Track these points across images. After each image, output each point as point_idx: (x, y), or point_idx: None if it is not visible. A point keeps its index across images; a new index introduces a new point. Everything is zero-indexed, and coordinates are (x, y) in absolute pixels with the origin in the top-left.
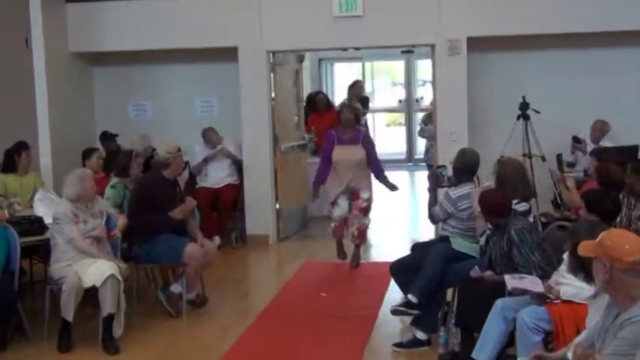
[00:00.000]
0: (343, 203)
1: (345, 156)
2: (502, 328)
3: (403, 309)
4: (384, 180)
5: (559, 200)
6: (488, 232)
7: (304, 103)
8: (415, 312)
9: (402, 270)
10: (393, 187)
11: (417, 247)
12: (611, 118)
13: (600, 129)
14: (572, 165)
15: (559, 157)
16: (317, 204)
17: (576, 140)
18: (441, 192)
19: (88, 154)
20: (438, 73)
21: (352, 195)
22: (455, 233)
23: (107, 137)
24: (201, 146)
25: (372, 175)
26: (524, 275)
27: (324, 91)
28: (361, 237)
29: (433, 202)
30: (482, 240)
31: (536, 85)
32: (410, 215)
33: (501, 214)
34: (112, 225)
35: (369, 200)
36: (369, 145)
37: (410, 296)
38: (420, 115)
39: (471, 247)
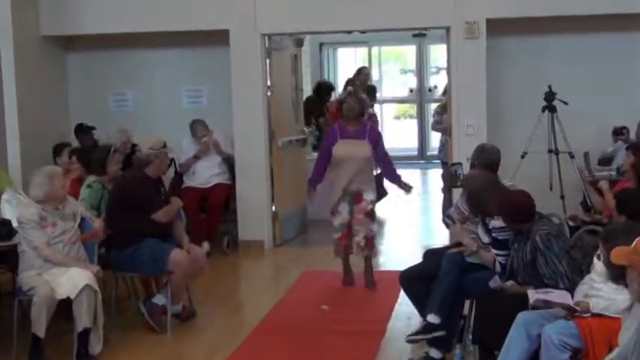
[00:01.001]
0: (344, 210)
1: (348, 152)
2: (525, 346)
3: (421, 337)
4: (397, 180)
5: (589, 202)
6: (490, 233)
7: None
8: (438, 334)
9: (413, 280)
10: (407, 188)
11: (430, 255)
12: None
13: None
14: (607, 162)
15: (586, 155)
16: (317, 204)
17: (618, 132)
18: (456, 192)
19: (58, 150)
20: (453, 60)
21: (354, 197)
22: (473, 239)
23: (83, 130)
24: (190, 141)
25: (384, 177)
26: (551, 290)
27: (327, 78)
28: (370, 246)
29: (448, 203)
30: (498, 269)
31: (564, 73)
32: (422, 218)
33: (526, 219)
34: (87, 229)
35: (374, 203)
36: (376, 140)
37: (430, 317)
38: (434, 106)
39: None
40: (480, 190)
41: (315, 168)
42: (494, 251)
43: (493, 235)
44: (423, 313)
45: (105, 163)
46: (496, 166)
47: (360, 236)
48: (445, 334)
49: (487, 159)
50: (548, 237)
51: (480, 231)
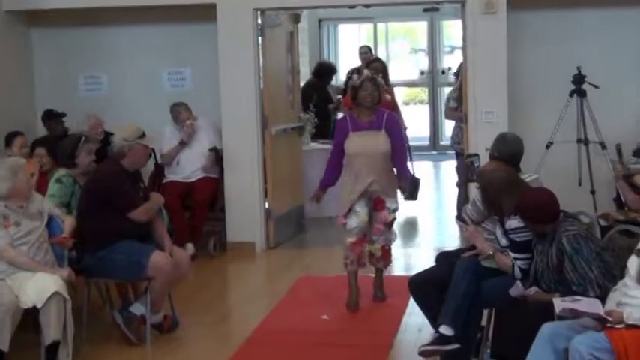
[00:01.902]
0: (362, 210)
1: (364, 146)
2: None
3: (435, 347)
4: (405, 179)
5: (622, 199)
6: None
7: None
8: (452, 347)
9: (424, 286)
10: (410, 196)
11: (442, 258)
12: None
13: None
14: None
15: (619, 147)
16: (314, 205)
17: None
18: (473, 187)
19: (9, 139)
20: (469, 38)
21: (375, 203)
22: (491, 241)
23: (52, 117)
24: (173, 128)
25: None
26: (580, 298)
27: (327, 58)
28: (386, 257)
29: (464, 200)
30: (517, 274)
31: (595, 53)
32: (434, 217)
33: (548, 220)
34: (56, 229)
35: (397, 211)
36: (395, 129)
37: (442, 329)
38: (447, 91)
39: None
40: (495, 185)
41: (326, 168)
42: (512, 255)
43: (510, 236)
44: (435, 323)
45: (74, 155)
46: (518, 158)
47: (377, 246)
48: (460, 348)
49: (508, 150)
50: (576, 238)
51: (498, 232)
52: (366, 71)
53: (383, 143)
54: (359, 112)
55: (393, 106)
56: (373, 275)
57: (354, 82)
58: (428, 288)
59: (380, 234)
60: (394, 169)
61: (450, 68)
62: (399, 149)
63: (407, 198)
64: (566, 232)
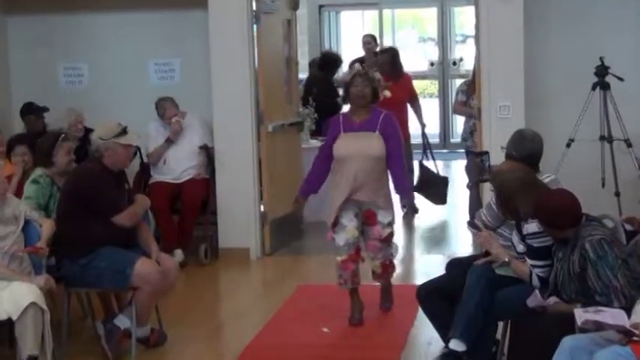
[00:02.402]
0: (350, 224)
1: (352, 148)
2: None
3: None
4: (405, 194)
5: None
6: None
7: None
8: None
9: (434, 296)
10: (412, 210)
11: (453, 266)
12: None
13: None
14: None
15: None
16: (316, 206)
17: None
18: (486, 189)
19: None
20: (483, 26)
21: (366, 217)
22: (507, 247)
23: (32, 111)
24: (159, 124)
25: (393, 183)
26: (603, 309)
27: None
28: (387, 272)
29: (476, 203)
30: (535, 283)
31: (619, 42)
32: (446, 221)
33: (568, 225)
34: (33, 234)
35: (393, 224)
36: (389, 131)
37: (452, 344)
38: (458, 83)
39: None
40: (511, 187)
41: (310, 172)
42: (529, 262)
43: (528, 241)
44: (445, 337)
45: (51, 153)
46: (537, 157)
47: (377, 263)
48: None
49: (527, 149)
50: (600, 244)
51: (515, 238)
52: (356, 65)
53: (375, 146)
54: (353, 112)
55: (410, 100)
56: (376, 283)
57: (344, 78)
58: (437, 298)
59: (377, 251)
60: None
61: (461, 59)
62: (395, 155)
63: (436, 202)
64: (590, 237)
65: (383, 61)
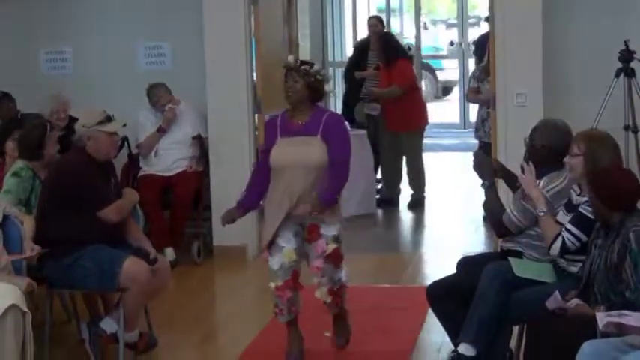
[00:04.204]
0: (288, 245)
1: (292, 156)
2: None
3: None
4: (323, 202)
5: None
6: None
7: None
8: None
9: (444, 296)
10: (319, 212)
11: (465, 265)
12: None
13: None
14: None
15: None
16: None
17: None
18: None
19: None
20: (498, 6)
21: (308, 232)
22: (531, 246)
23: (2, 99)
24: (149, 113)
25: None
26: (627, 312)
27: (330, 32)
28: (339, 302)
29: (498, 205)
30: (556, 248)
31: None
32: (458, 218)
33: (624, 207)
34: (13, 232)
35: (339, 239)
36: (335, 135)
37: (462, 348)
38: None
39: (543, 270)
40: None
41: (247, 186)
42: (569, 226)
43: (580, 208)
44: (455, 340)
45: (42, 145)
46: (567, 149)
47: (324, 290)
48: None
49: (565, 142)
50: None
51: (560, 214)
52: (290, 58)
53: (317, 152)
54: (291, 113)
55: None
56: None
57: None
58: (449, 298)
59: (321, 274)
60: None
61: (474, 42)
62: (336, 161)
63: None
64: (635, 228)
65: (374, 47)
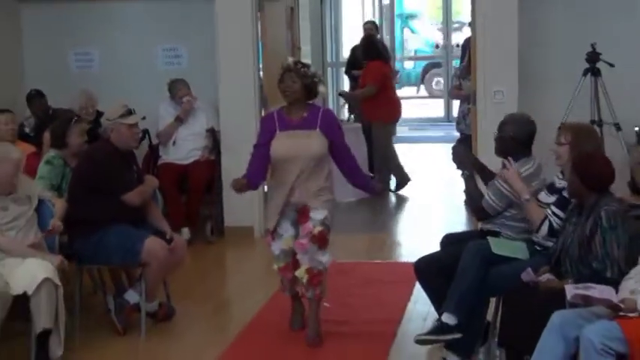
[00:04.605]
0: (287, 233)
1: (292, 148)
2: (561, 350)
3: (433, 337)
4: (365, 184)
5: (637, 183)
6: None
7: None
8: (452, 337)
9: (430, 270)
10: (376, 190)
11: (448, 242)
12: None
13: None
14: None
15: (638, 133)
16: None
17: None
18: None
19: None
20: (479, 12)
21: (299, 215)
22: (507, 227)
23: (35, 96)
24: (168, 104)
25: (349, 180)
26: (592, 285)
27: (328, 37)
28: (315, 284)
29: (477, 192)
30: (544, 230)
31: (611, 29)
32: (442, 200)
33: (600, 187)
34: (47, 213)
35: (327, 223)
36: (333, 129)
37: (445, 317)
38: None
39: (517, 248)
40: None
41: (250, 167)
42: (554, 209)
43: (563, 194)
44: (439, 310)
45: (65, 134)
46: (533, 141)
47: (302, 269)
48: (463, 337)
49: (530, 131)
50: (615, 215)
51: (543, 195)
52: (290, 59)
53: (317, 144)
54: (288, 109)
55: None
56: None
57: (279, 73)
58: (435, 272)
59: (304, 252)
60: (330, 177)
61: (457, 45)
62: (343, 150)
63: (376, 192)
64: (607, 207)
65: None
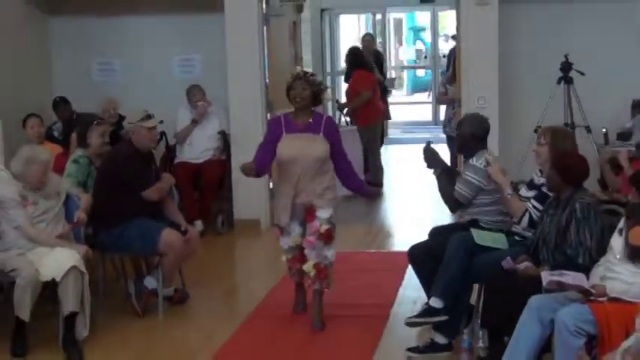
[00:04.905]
0: (295, 230)
1: (297, 151)
2: (537, 331)
3: (422, 320)
4: (361, 188)
5: (606, 180)
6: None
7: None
8: (439, 319)
9: (422, 256)
10: (374, 194)
11: (436, 232)
12: None
13: None
14: (626, 137)
15: (605, 134)
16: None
17: (637, 105)
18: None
19: (25, 120)
20: (463, 27)
21: (306, 214)
22: (483, 213)
23: (59, 103)
24: (186, 108)
25: (344, 184)
26: (566, 272)
27: (327, 48)
28: (322, 277)
29: (447, 185)
30: (525, 221)
31: (582, 42)
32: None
33: (576, 182)
34: (73, 207)
35: (332, 221)
36: (334, 135)
37: (432, 301)
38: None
39: (498, 239)
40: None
41: (256, 156)
42: (534, 202)
43: (542, 189)
44: (429, 293)
45: (85, 136)
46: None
47: (310, 264)
48: (449, 320)
49: (486, 129)
50: (589, 207)
51: (523, 190)
52: (298, 68)
53: (320, 148)
54: (295, 114)
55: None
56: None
57: (288, 81)
58: (427, 258)
59: (312, 248)
60: (332, 177)
61: (444, 56)
62: (341, 155)
63: (373, 197)
64: (582, 200)
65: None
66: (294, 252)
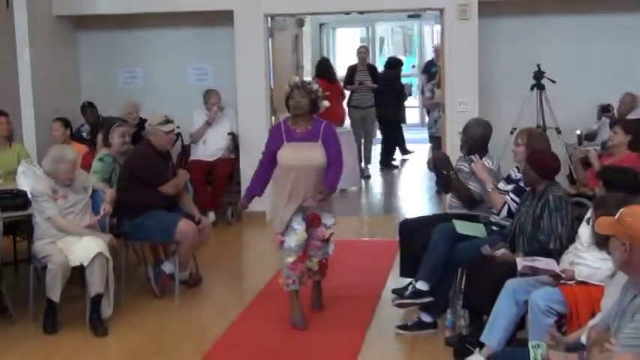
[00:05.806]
0: (299, 227)
1: (299, 158)
2: (513, 311)
3: (410, 301)
4: (330, 188)
5: (575, 176)
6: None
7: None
8: (425, 300)
9: (411, 230)
10: (324, 199)
11: (406, 225)
12: (634, 89)
13: (630, 102)
14: (592, 137)
15: (579, 136)
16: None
17: (605, 109)
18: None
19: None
20: (447, 40)
21: (310, 220)
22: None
23: (87, 107)
24: (201, 111)
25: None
26: (539, 258)
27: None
28: (323, 270)
29: (463, 185)
30: (504, 212)
31: (552, 53)
32: (421, 186)
33: (549, 177)
34: (98, 200)
35: (334, 225)
36: (331, 141)
37: (420, 284)
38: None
39: (477, 228)
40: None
41: (253, 179)
42: (512, 195)
43: (520, 184)
44: (404, 270)
45: (107, 136)
46: (487, 140)
47: (315, 261)
48: (434, 301)
49: (487, 133)
50: (561, 199)
51: (501, 184)
52: (295, 78)
53: (319, 155)
54: (294, 122)
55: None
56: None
57: (286, 90)
58: (414, 233)
59: (317, 250)
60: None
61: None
62: (334, 161)
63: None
64: (554, 193)
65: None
66: (299, 251)
